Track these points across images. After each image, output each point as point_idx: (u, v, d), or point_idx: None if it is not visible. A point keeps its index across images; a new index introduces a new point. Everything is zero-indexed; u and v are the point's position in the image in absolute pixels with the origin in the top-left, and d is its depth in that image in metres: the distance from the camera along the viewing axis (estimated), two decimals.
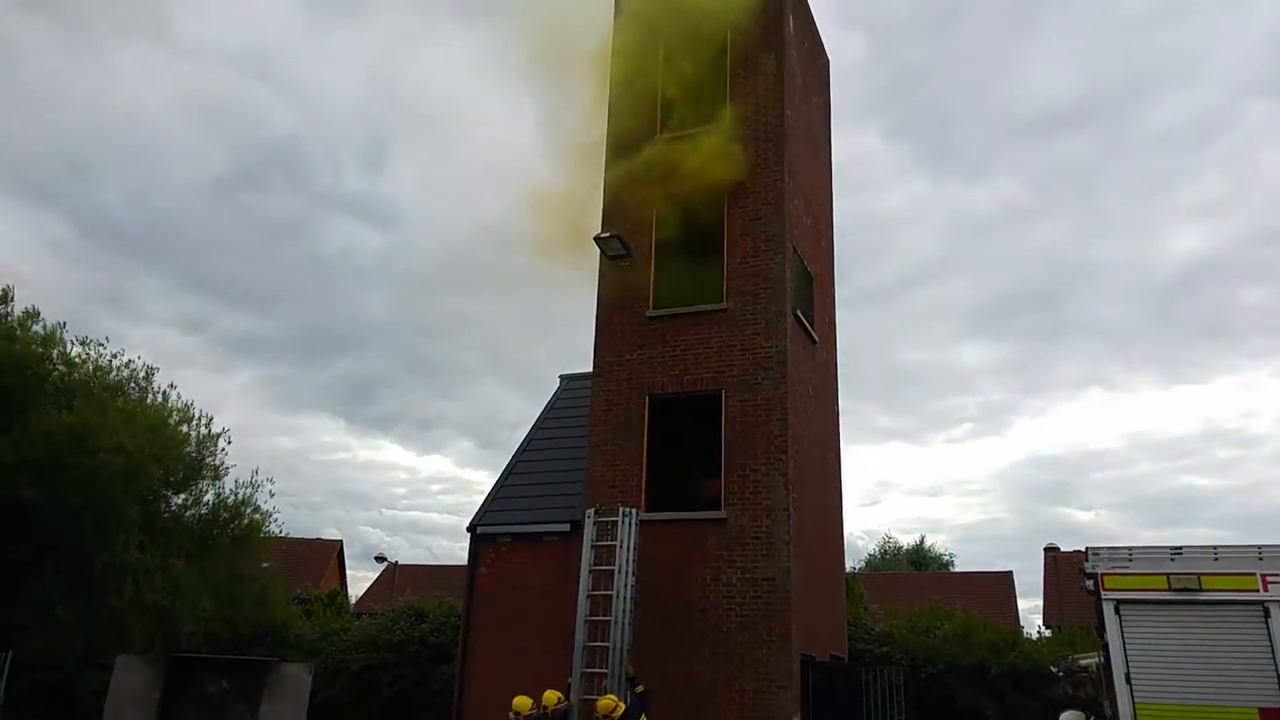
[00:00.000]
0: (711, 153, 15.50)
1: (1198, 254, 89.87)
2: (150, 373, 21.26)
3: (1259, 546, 8.89)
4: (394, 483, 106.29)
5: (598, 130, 17.07)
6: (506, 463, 17.65)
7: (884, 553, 57.07)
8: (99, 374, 20.40)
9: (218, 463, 21.42)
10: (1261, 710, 7.58)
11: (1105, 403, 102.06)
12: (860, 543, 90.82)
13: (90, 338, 20.87)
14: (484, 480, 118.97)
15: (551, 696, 12.06)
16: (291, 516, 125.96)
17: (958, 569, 49.58)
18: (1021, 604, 48.00)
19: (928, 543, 58.15)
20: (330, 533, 67.41)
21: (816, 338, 16.74)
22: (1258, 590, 7.91)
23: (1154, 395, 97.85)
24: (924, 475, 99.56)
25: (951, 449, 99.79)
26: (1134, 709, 7.92)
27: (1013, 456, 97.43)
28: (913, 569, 49.77)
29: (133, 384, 20.91)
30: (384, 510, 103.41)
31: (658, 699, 12.64)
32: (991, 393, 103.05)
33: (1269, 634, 7.73)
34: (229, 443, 21.67)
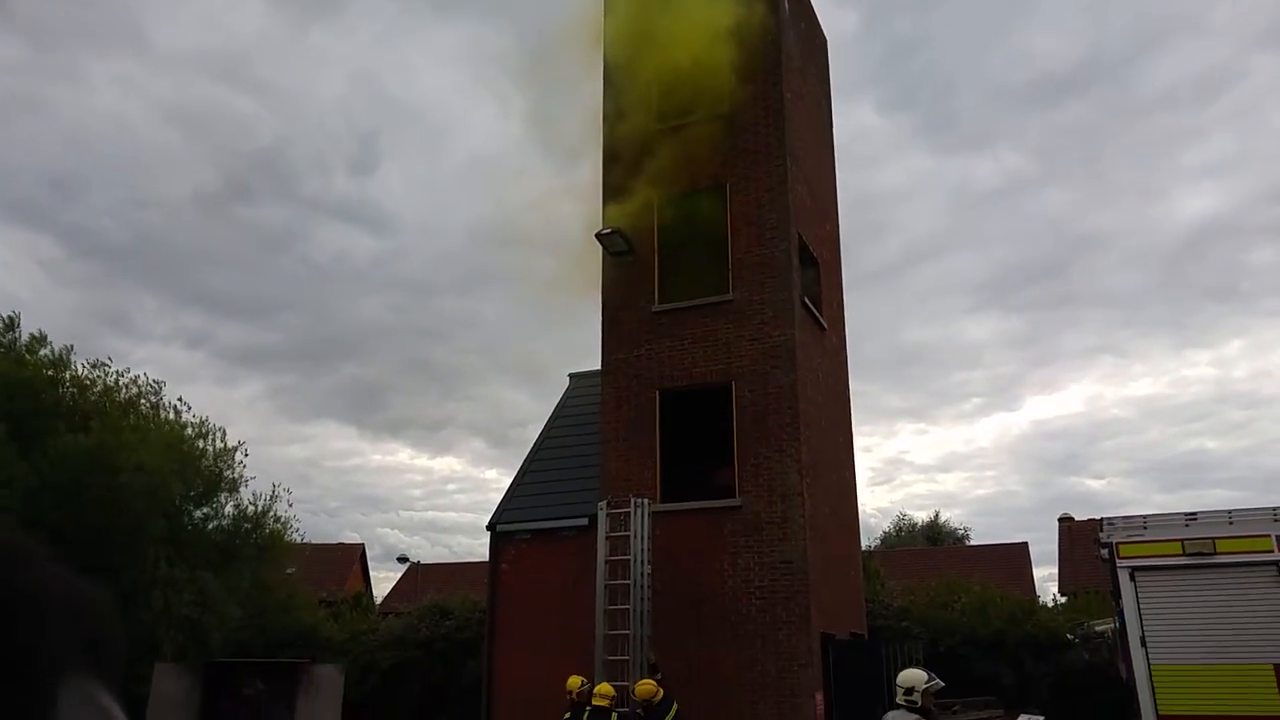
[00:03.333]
0: (711, 141, 15.58)
1: (1206, 216, 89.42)
2: (159, 388, 21.55)
3: (1274, 508, 9.03)
4: (409, 485, 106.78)
5: (593, 123, 17.16)
6: (520, 461, 17.92)
7: (899, 530, 57.20)
8: (110, 394, 20.69)
9: (236, 475, 21.75)
10: (1277, 667, 7.71)
11: (1115, 370, 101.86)
12: (875, 521, 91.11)
13: (98, 360, 21.18)
14: (498, 479, 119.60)
15: (575, 681, 12.35)
16: (311, 523, 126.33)
17: (973, 543, 49.75)
18: (1037, 573, 48.00)
19: (942, 518, 58.34)
20: (350, 537, 68.08)
21: (825, 324, 16.87)
22: (1272, 551, 8.03)
23: (1164, 361, 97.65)
24: (935, 452, 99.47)
25: (962, 424, 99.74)
26: (1150, 670, 8.09)
27: (1023, 429, 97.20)
28: (929, 545, 49.96)
29: (143, 400, 21.20)
30: (401, 512, 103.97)
31: (682, 683, 12.95)
32: (1000, 366, 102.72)
33: None
34: (246, 455, 22.00)
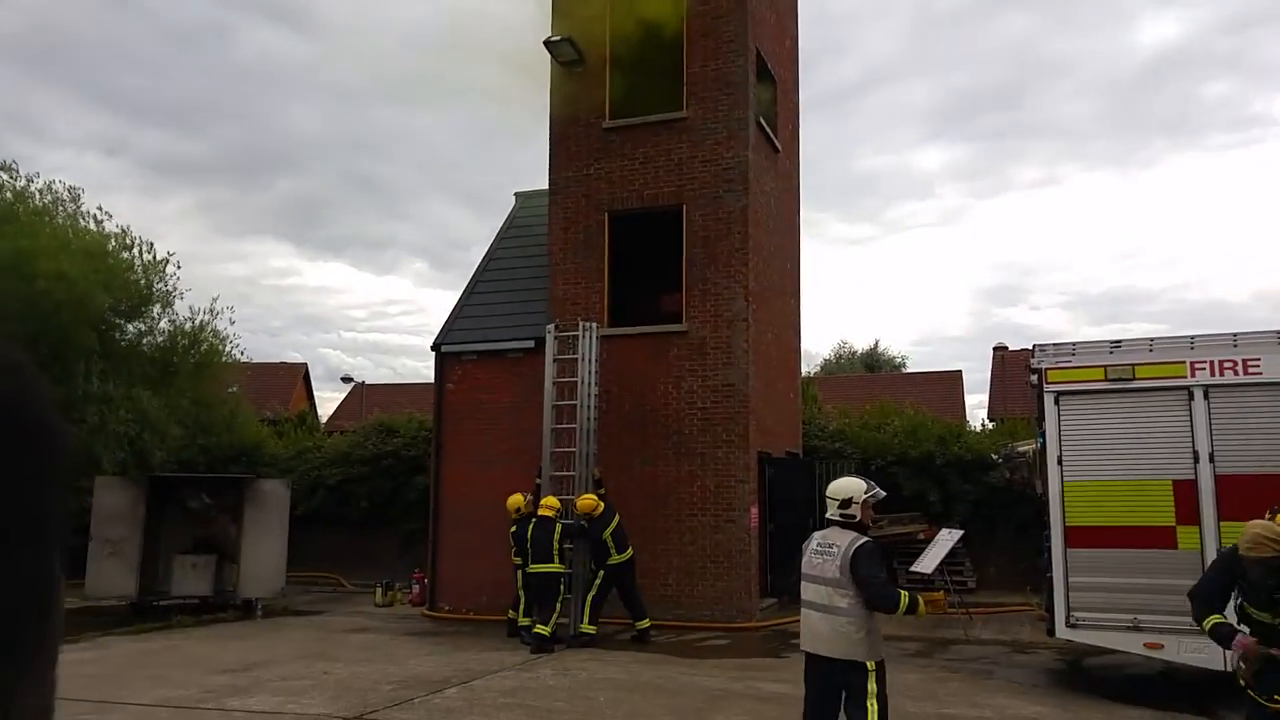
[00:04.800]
0: None
1: (1166, 44, 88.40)
2: (77, 195, 20.38)
3: (1191, 337, 9.43)
4: (351, 305, 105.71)
5: None
6: (465, 283, 17.63)
7: (839, 357, 58.95)
8: (22, 199, 19.54)
9: (169, 289, 21.06)
10: (1175, 481, 8.27)
11: (1058, 204, 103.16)
12: (816, 349, 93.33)
13: (5, 161, 19.82)
14: (442, 300, 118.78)
15: (517, 500, 12.73)
16: (252, 342, 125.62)
17: (910, 370, 51.53)
18: (969, 400, 50.36)
19: (881, 346, 60.15)
20: (293, 357, 67.85)
21: (779, 146, 16.52)
22: (1186, 376, 8.45)
23: (1106, 196, 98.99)
24: (880, 281, 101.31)
25: (908, 255, 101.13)
26: (1063, 487, 8.63)
27: (967, 260, 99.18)
28: (866, 371, 51.62)
29: (60, 208, 20.10)
30: (344, 333, 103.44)
31: (626, 497, 13.44)
32: (948, 197, 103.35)
33: (1190, 415, 8.33)
34: (179, 268, 21.24)
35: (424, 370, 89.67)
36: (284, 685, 9.22)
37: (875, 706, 5.12)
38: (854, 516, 5.32)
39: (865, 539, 5.25)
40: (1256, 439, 8.19)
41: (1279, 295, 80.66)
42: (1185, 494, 8.26)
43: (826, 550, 5.29)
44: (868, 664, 5.16)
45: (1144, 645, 8.21)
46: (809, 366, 52.63)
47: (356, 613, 15.61)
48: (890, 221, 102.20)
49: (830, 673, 5.27)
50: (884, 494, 5.50)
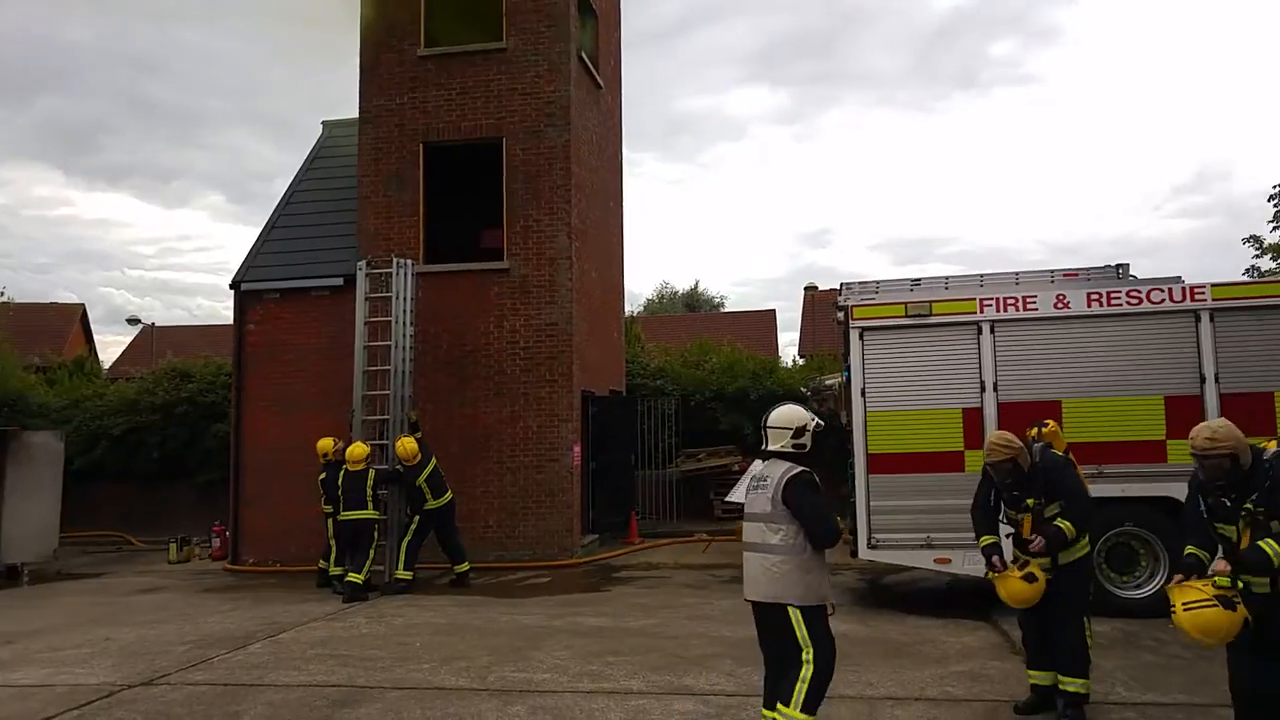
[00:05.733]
0: None
1: (959, 2, 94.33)
2: None
3: (981, 275, 10.19)
4: (137, 240, 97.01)
5: None
6: (267, 218, 16.43)
7: (661, 297, 59.92)
8: None
9: None
10: (964, 410, 8.95)
11: (867, 150, 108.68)
12: (639, 289, 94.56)
13: None
14: (243, 236, 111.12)
15: (326, 444, 12.15)
16: (12, 281, 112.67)
17: (728, 309, 53.13)
18: (782, 338, 52.59)
19: (701, 287, 61.62)
20: (66, 296, 61.49)
21: (601, 82, 16.27)
22: (975, 312, 9.09)
23: (910, 143, 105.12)
24: (699, 223, 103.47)
25: (726, 197, 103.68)
26: (865, 417, 9.13)
27: (782, 204, 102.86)
28: (687, 311, 52.77)
29: None
30: (129, 270, 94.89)
31: (444, 440, 13.12)
32: (765, 141, 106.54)
33: (978, 349, 8.98)
34: None
35: (223, 311, 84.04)
36: (55, 656, 8.31)
37: (810, 665, 4.53)
38: (806, 446, 4.76)
39: (801, 468, 4.69)
40: (1032, 369, 8.93)
41: (1055, 241, 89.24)
42: (973, 421, 8.90)
43: (762, 483, 4.79)
44: (799, 606, 4.56)
45: (935, 561, 8.85)
46: (632, 306, 53.28)
47: (147, 572, 14.48)
48: (707, 163, 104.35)
49: (768, 621, 4.71)
50: (823, 423, 4.92)
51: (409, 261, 13.17)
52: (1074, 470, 5.85)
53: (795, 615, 4.55)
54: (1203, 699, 5.88)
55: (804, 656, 4.52)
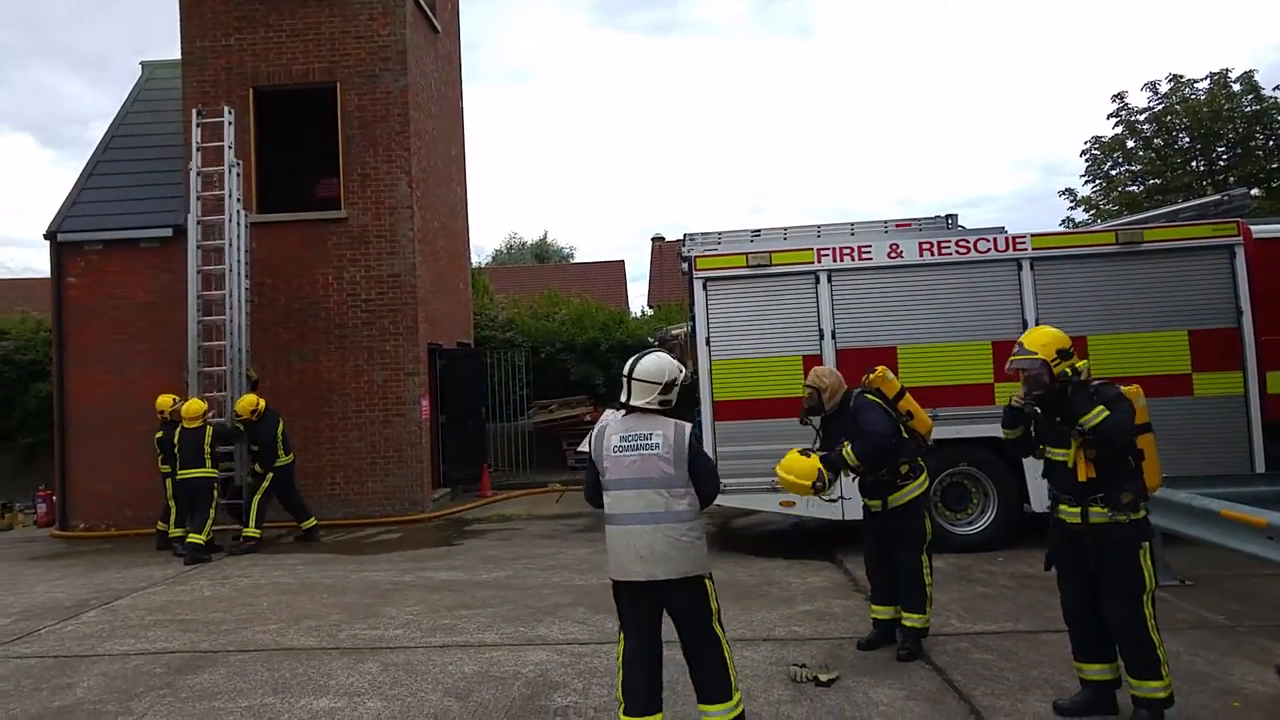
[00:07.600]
0: None
1: None
2: None
3: (818, 226, 10.63)
4: None
5: None
6: (85, 163, 15.23)
7: (509, 248, 59.17)
8: None
9: None
10: (804, 357, 9.35)
11: (710, 100, 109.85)
12: (487, 240, 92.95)
13: None
14: (58, 182, 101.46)
15: (165, 401, 11.63)
16: None
17: (577, 260, 53.06)
18: (631, 289, 53.11)
19: (550, 238, 61.18)
20: None
21: (439, 26, 15.84)
22: (813, 262, 9.47)
23: (746, 98, 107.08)
24: (548, 173, 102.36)
25: (575, 147, 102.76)
26: (711, 365, 9.45)
27: (632, 153, 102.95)
28: (536, 262, 52.39)
29: None
30: None
31: (285, 395, 12.81)
32: (612, 87, 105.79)
33: (816, 297, 9.41)
34: None
35: (38, 262, 77.29)
36: None
37: (723, 631, 4.24)
38: (672, 402, 4.29)
39: (688, 423, 4.26)
40: (868, 316, 9.36)
41: (896, 193, 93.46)
42: (812, 368, 9.38)
43: (644, 443, 4.15)
44: (708, 576, 4.21)
45: (780, 504, 9.08)
46: (480, 258, 52.44)
47: None
48: (554, 112, 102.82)
49: (671, 602, 4.18)
50: (689, 373, 4.32)
51: (241, 211, 12.60)
52: (878, 411, 6.02)
53: (709, 585, 4.21)
54: (1027, 625, 6.28)
55: (716, 629, 4.19)
